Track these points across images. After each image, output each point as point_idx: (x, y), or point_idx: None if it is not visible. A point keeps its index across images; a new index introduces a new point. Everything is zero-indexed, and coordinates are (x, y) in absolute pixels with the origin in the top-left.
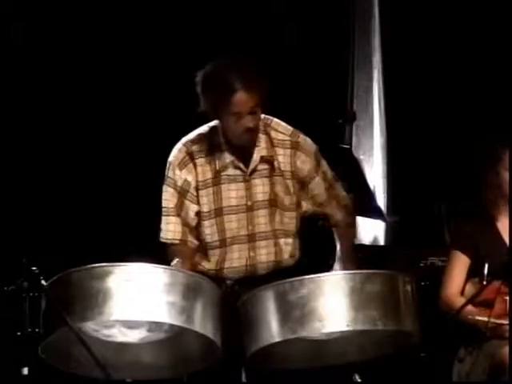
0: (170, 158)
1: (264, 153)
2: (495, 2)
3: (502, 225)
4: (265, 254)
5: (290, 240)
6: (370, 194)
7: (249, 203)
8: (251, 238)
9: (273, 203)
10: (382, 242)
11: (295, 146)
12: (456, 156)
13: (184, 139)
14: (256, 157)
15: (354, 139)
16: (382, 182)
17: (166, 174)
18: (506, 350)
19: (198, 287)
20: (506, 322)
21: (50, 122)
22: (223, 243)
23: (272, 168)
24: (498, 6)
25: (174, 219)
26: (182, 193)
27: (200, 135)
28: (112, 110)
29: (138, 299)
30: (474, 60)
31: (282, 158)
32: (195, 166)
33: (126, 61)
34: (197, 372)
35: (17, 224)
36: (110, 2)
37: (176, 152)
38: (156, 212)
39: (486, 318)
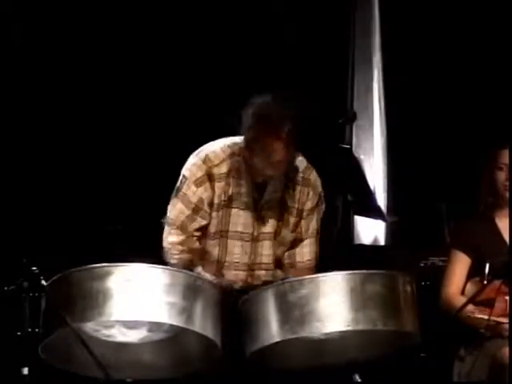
0: (186, 173)
1: (278, 187)
2: (495, 2)
3: (503, 224)
4: (262, 280)
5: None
6: (370, 194)
7: (255, 233)
8: (251, 267)
9: (275, 236)
10: (382, 242)
11: (306, 184)
12: (456, 156)
13: (202, 155)
14: (270, 190)
15: (353, 139)
16: (381, 182)
17: (180, 187)
18: (506, 349)
19: (198, 288)
20: (505, 320)
21: (51, 122)
22: (221, 263)
23: (281, 202)
24: (498, 5)
25: (176, 232)
26: (195, 209)
27: (221, 156)
28: (113, 111)
29: (137, 299)
30: (474, 60)
31: (291, 194)
32: (213, 187)
33: (127, 61)
34: (197, 372)
35: (17, 224)
36: (110, 2)
37: (194, 168)
38: (156, 213)
39: (486, 316)
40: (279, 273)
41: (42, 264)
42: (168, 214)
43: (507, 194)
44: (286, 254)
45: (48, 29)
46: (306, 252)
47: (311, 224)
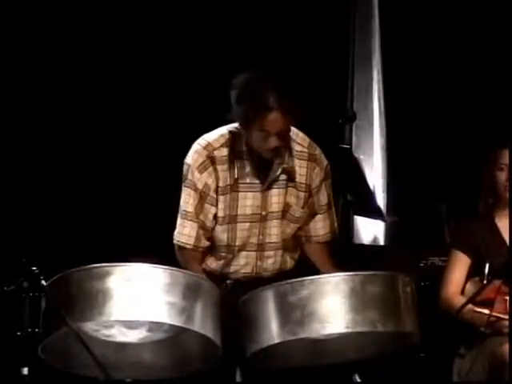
0: (189, 161)
1: (284, 164)
2: (495, 2)
3: (503, 224)
4: (271, 264)
5: (291, 251)
6: (370, 194)
7: (263, 213)
8: (261, 248)
9: (284, 214)
10: (381, 242)
11: (312, 159)
12: (456, 156)
13: (203, 142)
14: (276, 168)
15: (353, 139)
16: (381, 182)
17: (185, 175)
18: (506, 347)
19: (197, 287)
20: (505, 316)
21: (51, 122)
22: (231, 249)
23: (289, 179)
24: (498, 5)
25: (190, 223)
26: (203, 196)
27: (221, 140)
28: (113, 110)
29: (137, 299)
30: (474, 60)
31: (299, 170)
32: (216, 171)
33: (127, 60)
34: (197, 372)
35: (16, 224)
36: (110, 2)
37: (196, 155)
38: (156, 212)
39: (486, 311)
40: (288, 259)
41: (41, 264)
42: (181, 205)
43: (507, 195)
44: (302, 230)
45: (48, 29)
46: (319, 227)
47: (321, 199)
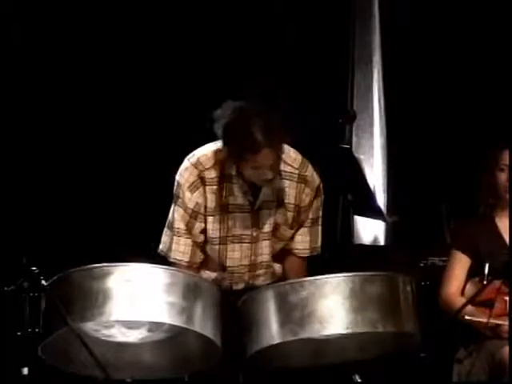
0: (180, 179)
1: (274, 186)
2: (495, 2)
3: (503, 224)
4: (262, 280)
5: (280, 260)
6: (370, 194)
7: (254, 234)
8: (252, 268)
9: (274, 233)
10: (382, 242)
11: (302, 180)
12: (456, 156)
13: (194, 159)
14: (265, 191)
15: (353, 139)
16: (381, 182)
17: (176, 193)
18: (506, 349)
19: (197, 287)
20: (504, 322)
21: (51, 122)
22: (223, 268)
23: (279, 200)
24: (498, 5)
25: (184, 240)
26: (193, 215)
27: (212, 160)
28: (112, 110)
29: (137, 299)
30: (474, 60)
31: (288, 191)
32: (205, 191)
33: (127, 60)
34: (197, 372)
35: (17, 224)
36: (110, 2)
37: (187, 174)
38: (156, 213)
39: (485, 320)
40: (276, 267)
41: (42, 264)
42: (170, 220)
43: (508, 195)
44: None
45: (48, 29)
46: (298, 239)
47: (309, 215)
